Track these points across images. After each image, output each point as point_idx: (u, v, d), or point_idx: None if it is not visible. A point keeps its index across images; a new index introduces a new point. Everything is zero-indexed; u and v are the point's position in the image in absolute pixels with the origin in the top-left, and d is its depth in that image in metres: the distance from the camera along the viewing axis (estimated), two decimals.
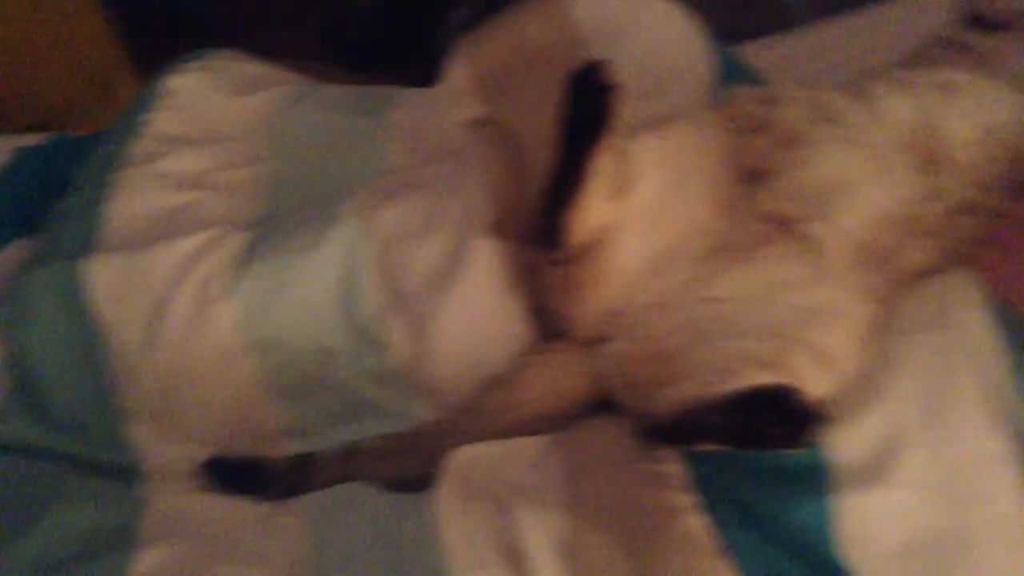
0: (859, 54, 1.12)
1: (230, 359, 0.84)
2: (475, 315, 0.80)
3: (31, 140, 1.12)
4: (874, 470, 0.65)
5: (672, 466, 0.69)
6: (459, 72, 1.02)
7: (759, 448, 0.64)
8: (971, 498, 0.65)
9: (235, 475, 0.81)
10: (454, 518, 0.69)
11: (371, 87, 1.13)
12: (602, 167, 0.71)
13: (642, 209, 0.76)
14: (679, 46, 0.98)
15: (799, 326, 0.71)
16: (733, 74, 0.99)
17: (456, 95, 1.01)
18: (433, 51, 1.10)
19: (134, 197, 0.91)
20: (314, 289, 0.84)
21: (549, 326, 0.80)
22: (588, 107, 0.70)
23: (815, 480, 0.65)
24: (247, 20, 2.12)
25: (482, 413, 0.80)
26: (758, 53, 1.11)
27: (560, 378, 0.79)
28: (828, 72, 1.07)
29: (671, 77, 0.96)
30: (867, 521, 0.64)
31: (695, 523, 0.65)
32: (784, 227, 0.75)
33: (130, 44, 1.84)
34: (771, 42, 1.19)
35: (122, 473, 0.81)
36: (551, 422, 0.79)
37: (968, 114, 0.78)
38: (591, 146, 0.71)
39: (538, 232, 0.74)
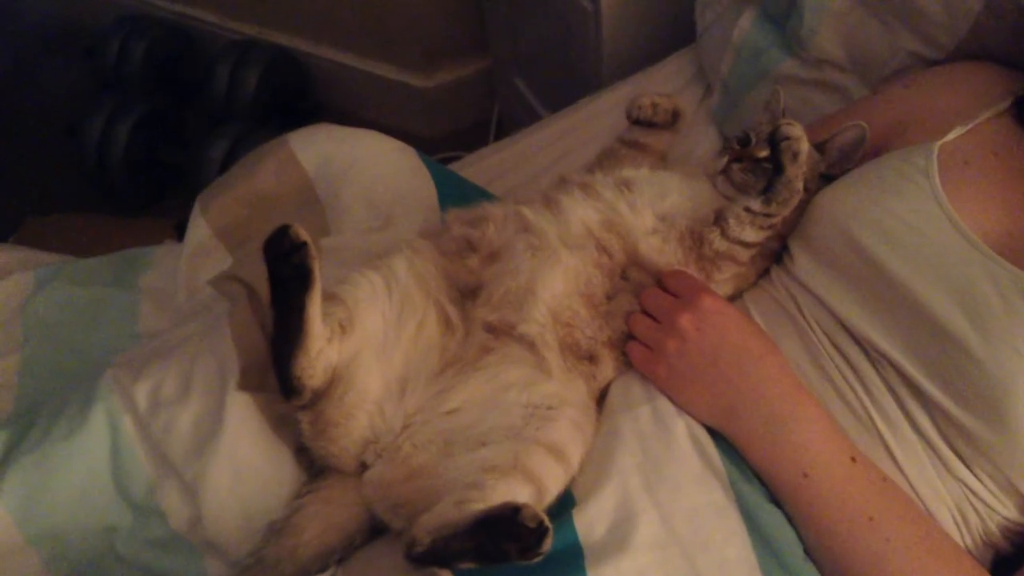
0: (568, 149, 1.26)
1: (11, 558, 0.82)
2: (242, 468, 0.82)
3: None
4: (616, 540, 0.73)
5: (445, 574, 0.73)
6: (198, 228, 1.05)
7: (504, 563, 0.68)
8: (700, 548, 0.73)
9: None
10: None
11: (122, 253, 1.14)
12: (317, 315, 0.76)
13: (369, 341, 0.82)
14: (400, 174, 1.06)
15: (530, 426, 0.79)
16: (452, 190, 1.07)
17: (200, 251, 1.04)
18: (196, 189, 1.12)
19: None
20: (84, 473, 0.84)
21: (315, 463, 0.84)
22: (288, 267, 0.75)
23: (571, 560, 0.72)
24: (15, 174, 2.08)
25: (267, 563, 0.81)
26: (474, 164, 1.22)
27: (335, 512, 0.82)
28: (538, 174, 1.20)
29: (398, 205, 1.03)
30: None
31: None
32: (500, 334, 0.84)
33: None
34: (487, 152, 1.30)
35: None
36: (333, 555, 0.81)
37: (644, 206, 0.90)
38: (301, 301, 0.75)
39: (278, 384, 0.78)
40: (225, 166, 1.68)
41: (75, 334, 1.01)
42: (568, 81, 1.56)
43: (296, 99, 2.14)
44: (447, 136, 2.08)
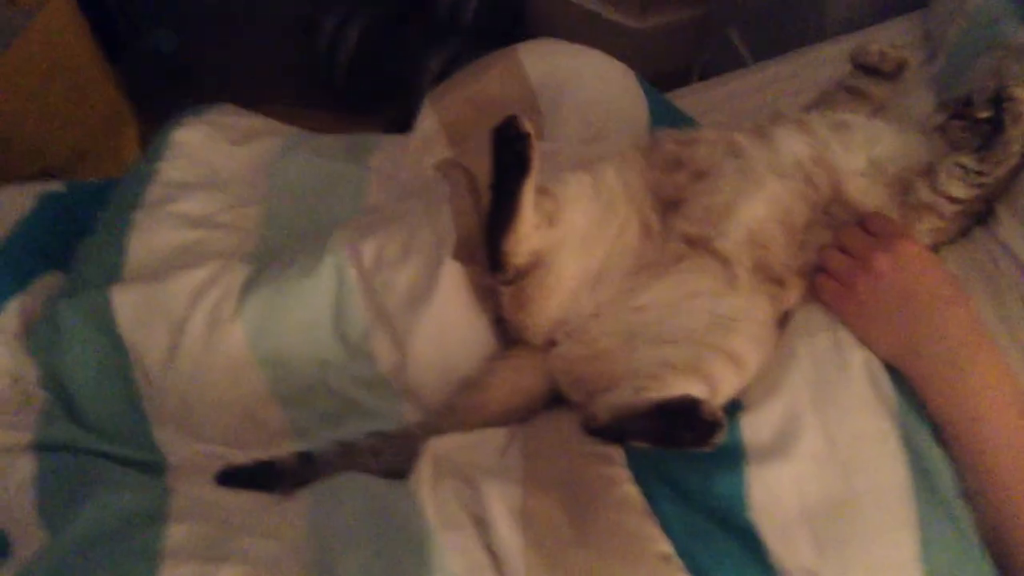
0: (778, 96, 1.29)
1: (240, 372, 0.95)
2: (447, 328, 0.92)
3: (53, 187, 1.22)
4: (778, 447, 0.78)
5: (613, 447, 0.81)
6: (427, 120, 1.16)
7: (676, 448, 0.76)
8: (859, 469, 0.77)
9: (248, 479, 0.90)
10: (430, 491, 0.80)
11: (353, 135, 1.26)
12: (529, 202, 0.85)
13: (573, 234, 0.90)
14: (617, 95, 1.13)
15: (712, 332, 0.84)
16: (665, 117, 1.13)
17: (425, 141, 1.15)
18: (410, 97, 1.24)
19: (151, 235, 1.04)
20: (310, 310, 0.95)
21: (508, 334, 0.93)
22: (511, 154, 0.83)
23: (731, 458, 0.77)
24: (241, 72, 2.28)
25: (457, 412, 0.91)
26: (681, 99, 1.27)
27: (521, 378, 0.91)
28: (751, 112, 1.23)
29: (611, 122, 1.10)
30: (773, 490, 0.76)
31: (630, 490, 0.77)
32: (696, 246, 0.90)
33: (134, 98, 1.97)
34: (695, 88, 1.34)
35: (150, 468, 0.92)
36: (515, 415, 0.91)
37: (857, 148, 0.93)
38: (517, 186, 0.83)
39: (486, 258, 0.87)
40: (440, 78, 1.79)
41: (311, 197, 1.13)
42: (785, 35, 1.57)
43: (510, 23, 2.23)
44: (652, 78, 2.12)
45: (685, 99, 1.36)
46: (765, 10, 1.70)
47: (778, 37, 1.62)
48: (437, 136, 1.15)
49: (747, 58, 1.78)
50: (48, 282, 1.06)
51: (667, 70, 2.14)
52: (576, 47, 1.17)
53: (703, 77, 2.07)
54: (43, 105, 1.73)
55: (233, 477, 0.90)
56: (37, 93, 1.72)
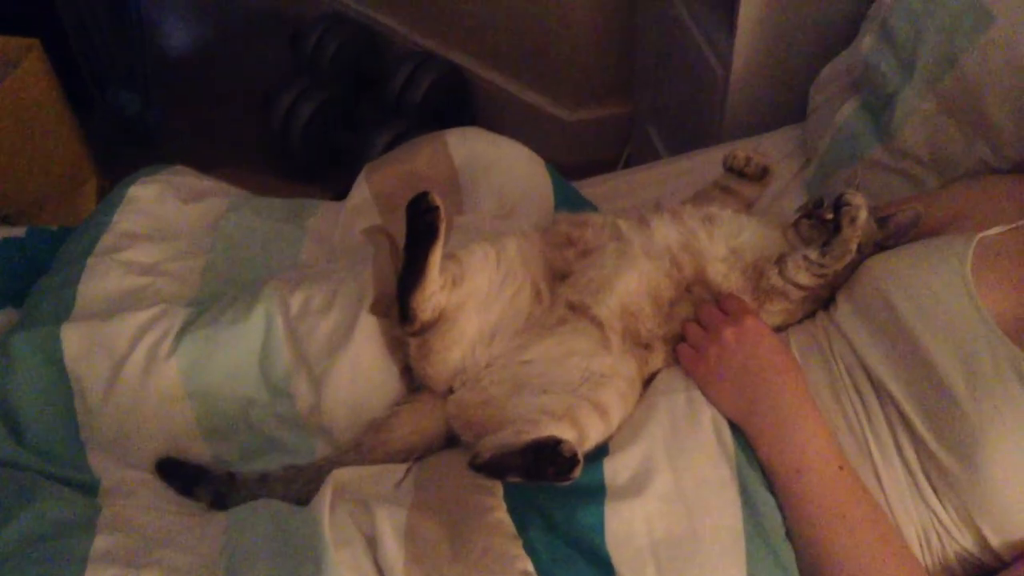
0: (680, 187, 1.45)
1: (172, 405, 1.04)
2: (360, 373, 1.03)
3: (13, 232, 1.32)
4: (634, 487, 0.89)
5: (494, 482, 0.92)
6: (361, 190, 1.29)
7: (542, 481, 0.87)
8: (700, 509, 0.88)
9: (180, 473, 1.01)
10: (328, 512, 0.89)
11: (294, 199, 1.38)
12: (436, 264, 0.97)
13: (475, 296, 1.02)
14: (528, 178, 1.28)
15: (585, 386, 0.97)
16: (568, 200, 1.28)
17: (358, 208, 1.27)
18: (357, 169, 1.36)
19: (102, 279, 1.13)
20: (239, 352, 1.05)
21: (414, 381, 1.05)
22: (422, 223, 0.95)
23: (594, 494, 0.89)
24: (199, 136, 2.41)
25: (363, 449, 1.01)
26: (595, 185, 1.43)
27: (422, 421, 1.02)
28: (647, 203, 1.39)
29: (521, 202, 1.25)
30: (626, 524, 0.87)
31: (503, 516, 0.88)
32: (577, 312, 1.03)
33: (96, 153, 2.08)
34: (608, 177, 1.51)
35: (85, 487, 1.00)
36: (414, 453, 1.02)
37: (720, 238, 1.07)
38: (426, 250, 0.96)
39: (397, 313, 0.99)
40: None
41: (250, 252, 1.24)
42: (692, 134, 1.76)
43: (455, 109, 2.40)
44: (576, 168, 2.30)
45: (607, 184, 1.53)
46: (678, 113, 1.90)
47: (685, 137, 1.81)
48: (368, 205, 1.28)
49: (662, 152, 1.97)
50: (3, 317, 1.16)
51: (596, 158, 2.34)
52: (496, 136, 1.32)
53: (628, 166, 2.27)
54: (10, 154, 1.83)
55: (170, 466, 1.02)
56: (5, 143, 1.81)
